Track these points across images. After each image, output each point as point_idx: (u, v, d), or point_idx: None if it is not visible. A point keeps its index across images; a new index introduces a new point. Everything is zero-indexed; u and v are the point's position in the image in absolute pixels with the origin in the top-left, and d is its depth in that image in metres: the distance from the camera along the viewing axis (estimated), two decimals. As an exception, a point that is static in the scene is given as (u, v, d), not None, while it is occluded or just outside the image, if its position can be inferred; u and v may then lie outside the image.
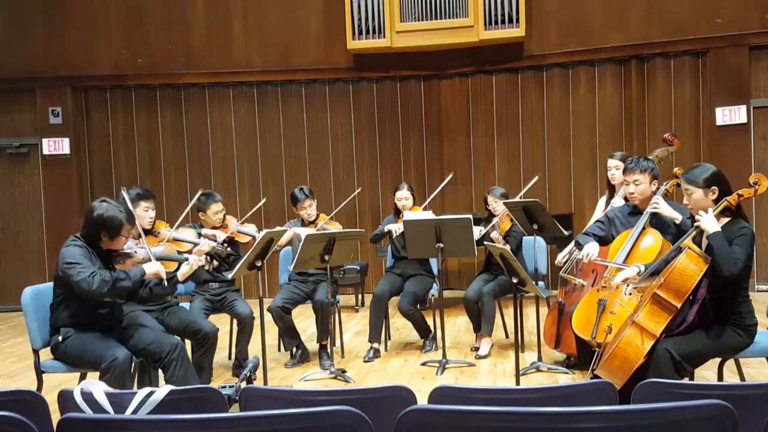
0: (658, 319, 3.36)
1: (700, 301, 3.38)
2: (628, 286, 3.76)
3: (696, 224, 3.40)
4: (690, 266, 3.29)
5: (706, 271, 3.29)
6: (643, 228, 4.00)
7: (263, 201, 5.61)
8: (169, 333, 4.26)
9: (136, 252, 3.91)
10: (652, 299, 3.38)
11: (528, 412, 1.72)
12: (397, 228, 5.64)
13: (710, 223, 3.32)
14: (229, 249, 4.89)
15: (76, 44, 8.55)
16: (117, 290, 3.64)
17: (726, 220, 3.43)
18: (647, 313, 3.38)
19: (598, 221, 4.49)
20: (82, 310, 3.73)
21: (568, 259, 4.88)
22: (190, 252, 4.52)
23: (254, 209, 5.29)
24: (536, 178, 6.05)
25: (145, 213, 4.54)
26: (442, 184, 6.28)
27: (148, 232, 4.57)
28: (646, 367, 3.34)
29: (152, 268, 3.78)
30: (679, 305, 3.34)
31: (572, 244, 5.18)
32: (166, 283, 3.87)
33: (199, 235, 4.95)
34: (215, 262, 4.45)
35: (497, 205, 5.65)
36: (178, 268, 4.15)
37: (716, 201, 3.42)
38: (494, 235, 5.51)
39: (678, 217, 3.99)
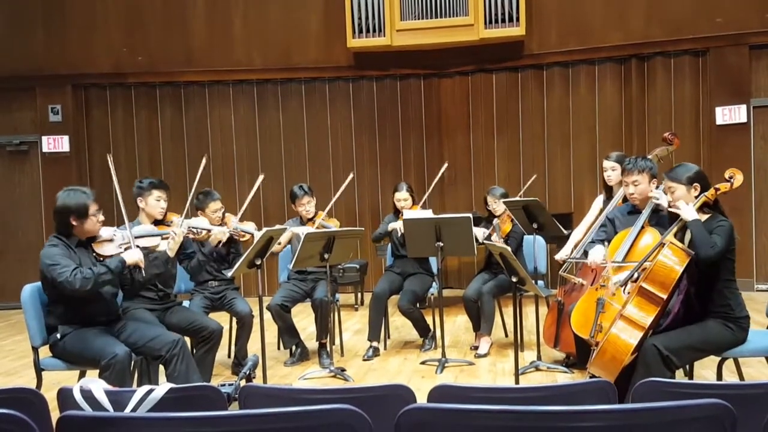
0: (646, 312, 3.43)
1: (684, 291, 3.49)
2: (625, 286, 3.76)
3: (678, 219, 3.51)
4: (672, 258, 3.41)
5: (689, 264, 3.39)
6: (642, 227, 4.00)
7: (257, 185, 5.36)
8: (172, 331, 4.23)
9: (115, 234, 3.89)
10: (639, 292, 3.46)
11: (527, 410, 1.72)
12: (400, 226, 5.64)
13: (689, 211, 3.45)
14: (246, 235, 4.89)
15: (76, 42, 8.55)
16: (100, 285, 3.63)
17: (705, 216, 3.52)
18: (635, 305, 3.47)
19: (601, 226, 4.47)
20: (74, 307, 3.72)
21: (568, 260, 4.88)
22: (206, 239, 4.55)
23: (250, 196, 5.18)
24: (534, 176, 6.21)
25: (156, 203, 4.43)
26: (439, 174, 6.13)
27: (160, 222, 4.52)
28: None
29: (132, 257, 3.74)
30: (665, 296, 3.42)
31: (572, 240, 5.18)
32: (143, 273, 3.83)
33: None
34: (195, 230, 4.44)
35: (497, 206, 5.65)
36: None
37: (698, 197, 3.52)
38: (494, 238, 5.51)
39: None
